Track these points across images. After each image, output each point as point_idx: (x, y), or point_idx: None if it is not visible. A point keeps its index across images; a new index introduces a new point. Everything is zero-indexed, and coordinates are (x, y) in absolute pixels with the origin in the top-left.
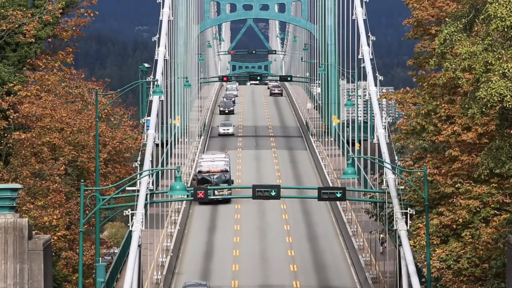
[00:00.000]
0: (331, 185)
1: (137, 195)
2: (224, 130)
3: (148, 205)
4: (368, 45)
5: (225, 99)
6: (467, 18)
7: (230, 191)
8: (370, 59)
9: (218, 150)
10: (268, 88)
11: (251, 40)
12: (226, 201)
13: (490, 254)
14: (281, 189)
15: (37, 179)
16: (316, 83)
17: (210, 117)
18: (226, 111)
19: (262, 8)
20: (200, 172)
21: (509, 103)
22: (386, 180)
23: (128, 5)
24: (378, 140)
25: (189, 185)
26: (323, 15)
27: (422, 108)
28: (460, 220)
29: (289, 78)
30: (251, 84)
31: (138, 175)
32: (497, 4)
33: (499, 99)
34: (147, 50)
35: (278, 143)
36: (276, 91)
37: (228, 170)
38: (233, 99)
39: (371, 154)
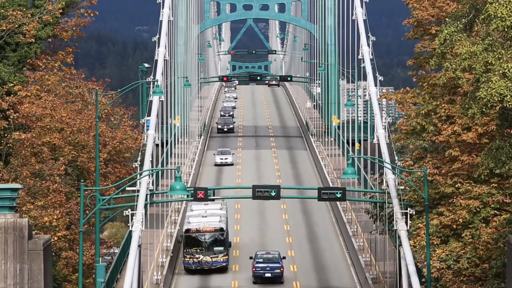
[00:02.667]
0: (331, 185)
1: (137, 195)
2: (222, 159)
3: (148, 205)
4: (368, 45)
5: (222, 113)
6: (467, 18)
7: (226, 256)
8: (370, 59)
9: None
10: (266, 82)
11: (251, 40)
12: (222, 269)
13: (490, 254)
14: (281, 189)
15: (37, 179)
16: (316, 83)
17: (210, 117)
18: (225, 129)
19: (262, 8)
20: (187, 231)
21: (509, 103)
22: (386, 180)
23: (128, 5)
24: (378, 140)
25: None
26: (323, 15)
27: (422, 108)
28: (460, 220)
29: (289, 78)
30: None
31: (138, 175)
32: (497, 4)
33: (499, 99)
34: (147, 50)
35: (278, 143)
36: (274, 82)
37: (225, 228)
38: (231, 112)
39: (371, 154)
